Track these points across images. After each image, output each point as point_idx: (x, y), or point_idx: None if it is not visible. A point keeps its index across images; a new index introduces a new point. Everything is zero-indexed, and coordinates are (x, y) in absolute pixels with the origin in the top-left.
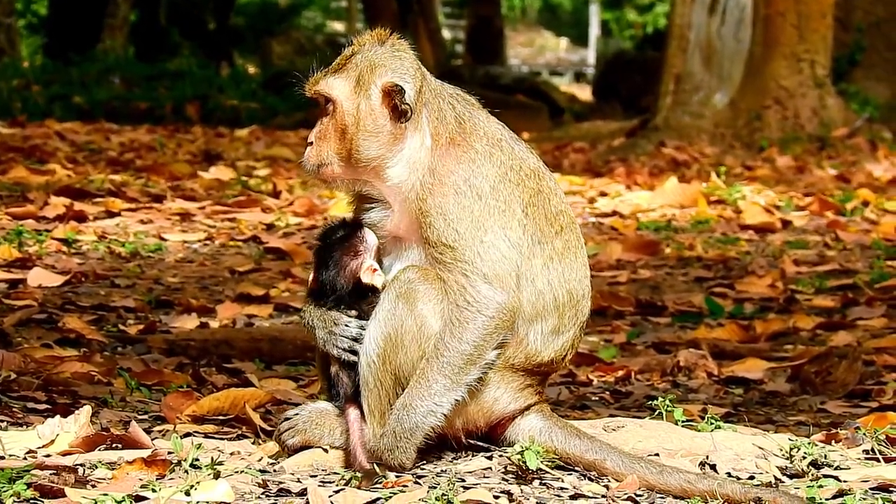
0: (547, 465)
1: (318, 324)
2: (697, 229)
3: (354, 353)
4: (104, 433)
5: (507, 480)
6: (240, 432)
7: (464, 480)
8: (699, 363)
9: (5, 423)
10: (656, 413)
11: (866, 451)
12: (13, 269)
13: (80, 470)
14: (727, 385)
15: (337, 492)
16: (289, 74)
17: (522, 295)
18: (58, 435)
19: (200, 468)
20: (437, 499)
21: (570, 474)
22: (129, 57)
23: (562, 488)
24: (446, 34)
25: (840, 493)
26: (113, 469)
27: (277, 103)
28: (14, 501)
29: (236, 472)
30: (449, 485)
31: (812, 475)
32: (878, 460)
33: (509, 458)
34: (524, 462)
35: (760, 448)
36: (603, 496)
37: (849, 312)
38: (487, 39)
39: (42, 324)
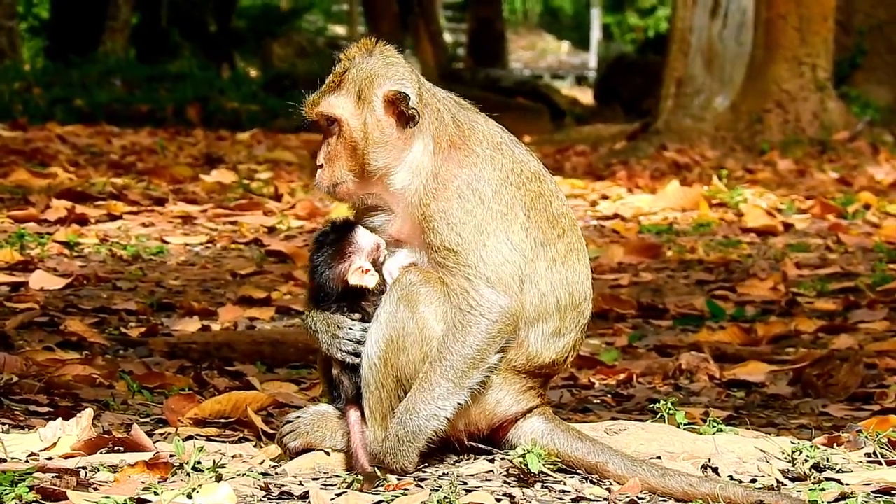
0: (549, 468)
1: (321, 328)
2: (699, 232)
3: (358, 355)
4: (106, 436)
5: (509, 483)
6: (241, 435)
7: (466, 483)
8: (701, 366)
9: (7, 426)
10: (658, 416)
11: (868, 455)
12: (15, 272)
13: (82, 473)
14: (729, 388)
15: (339, 495)
16: (289, 77)
17: (525, 297)
18: (59, 438)
19: (202, 471)
20: (438, 502)
21: (573, 477)
22: (130, 59)
23: (564, 491)
24: (447, 37)
25: (842, 497)
26: (115, 472)
27: (278, 106)
28: None
29: (238, 474)
30: (451, 488)
31: (814, 478)
32: (880, 463)
33: (511, 461)
34: (526, 465)
35: (762, 451)
36: (605, 499)
37: (850, 315)
38: (488, 42)
39: (44, 327)
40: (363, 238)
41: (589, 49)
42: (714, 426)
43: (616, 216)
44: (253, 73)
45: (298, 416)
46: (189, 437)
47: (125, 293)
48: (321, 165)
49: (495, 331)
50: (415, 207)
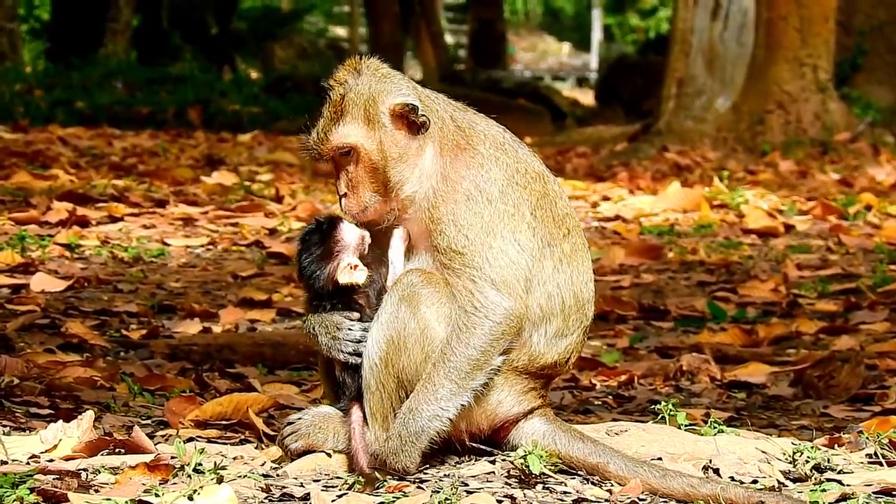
0: (550, 469)
1: (321, 330)
2: (700, 233)
3: (359, 355)
4: (107, 438)
5: (510, 484)
6: (243, 437)
7: (467, 485)
8: (702, 367)
9: (8, 428)
10: (659, 417)
11: (869, 455)
12: (16, 274)
13: (83, 475)
14: (730, 389)
15: (340, 496)
16: (290, 79)
17: (532, 298)
18: (61, 440)
19: (203, 473)
20: (439, 503)
21: (574, 478)
22: (131, 61)
23: (565, 492)
24: (449, 39)
25: (843, 497)
26: (116, 474)
27: (279, 107)
28: None
29: (239, 476)
30: (452, 489)
31: (815, 479)
32: (881, 464)
33: (512, 462)
34: (527, 466)
35: (763, 452)
36: (606, 500)
37: (851, 316)
38: (490, 44)
39: (45, 329)
40: (349, 233)
41: (590, 50)
42: (715, 427)
43: (617, 218)
44: (254, 74)
45: (300, 418)
46: (190, 439)
47: (126, 295)
48: (344, 195)
49: (499, 332)
50: (423, 211)
